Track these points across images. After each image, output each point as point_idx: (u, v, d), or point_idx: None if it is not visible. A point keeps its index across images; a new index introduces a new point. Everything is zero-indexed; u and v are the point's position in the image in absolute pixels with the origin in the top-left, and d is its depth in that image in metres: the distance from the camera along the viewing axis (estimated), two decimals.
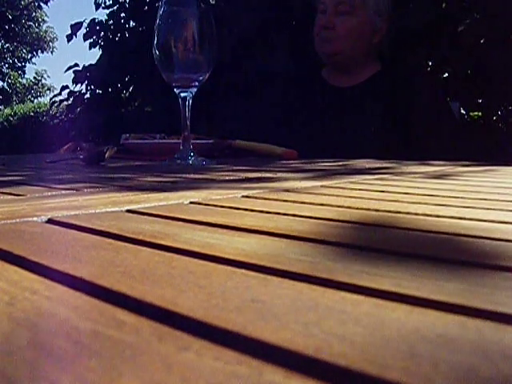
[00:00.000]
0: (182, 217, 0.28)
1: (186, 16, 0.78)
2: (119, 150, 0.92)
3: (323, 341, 0.11)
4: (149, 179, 0.52)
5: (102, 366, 0.10)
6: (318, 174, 0.59)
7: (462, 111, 1.70)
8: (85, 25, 2.46)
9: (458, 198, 0.38)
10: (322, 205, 0.33)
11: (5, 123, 7.94)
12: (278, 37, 1.76)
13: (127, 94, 2.62)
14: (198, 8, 0.77)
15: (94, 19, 2.46)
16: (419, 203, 0.34)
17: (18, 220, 0.27)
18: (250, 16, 1.80)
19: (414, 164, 0.78)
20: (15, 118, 8.00)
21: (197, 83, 0.78)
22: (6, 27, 13.06)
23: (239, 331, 0.12)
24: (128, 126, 2.12)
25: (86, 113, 2.52)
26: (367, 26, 1.22)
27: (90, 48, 2.50)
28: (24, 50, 13.93)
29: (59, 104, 2.82)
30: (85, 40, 2.47)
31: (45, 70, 15.63)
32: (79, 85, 2.52)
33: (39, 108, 7.97)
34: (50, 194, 0.38)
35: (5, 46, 13.62)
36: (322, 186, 0.44)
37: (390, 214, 0.29)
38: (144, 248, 0.21)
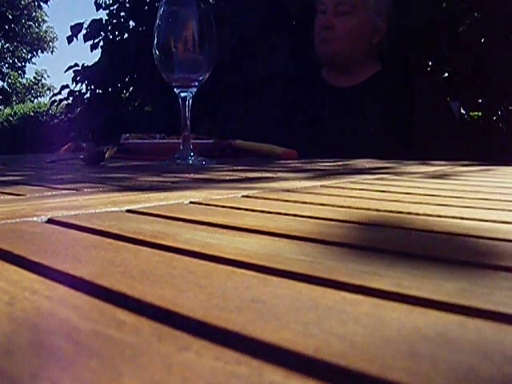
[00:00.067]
0: (182, 217, 0.28)
1: (186, 16, 0.78)
2: (119, 149, 0.92)
3: (323, 341, 0.11)
4: (149, 179, 0.52)
5: (102, 365, 0.10)
6: (317, 174, 0.59)
7: (462, 111, 1.70)
8: (85, 26, 2.46)
9: (458, 197, 0.38)
10: (322, 205, 0.33)
11: (5, 123, 7.94)
12: (278, 37, 1.76)
13: (127, 94, 2.62)
14: (198, 8, 0.77)
15: (95, 20, 2.46)
16: (420, 203, 0.34)
17: (17, 220, 0.27)
18: (250, 16, 1.80)
19: (414, 164, 0.78)
20: (15, 118, 8.01)
21: (197, 83, 0.78)
22: (6, 27, 13.06)
23: (239, 331, 0.12)
24: (128, 125, 2.12)
25: (85, 113, 2.52)
26: (367, 25, 1.22)
27: (91, 50, 2.50)
28: (24, 50, 13.93)
29: (59, 103, 2.82)
30: (85, 41, 2.47)
31: (45, 70, 15.65)
32: (79, 84, 2.52)
33: (39, 108, 7.97)
34: (49, 193, 0.38)
35: (5, 46, 13.62)
36: (321, 186, 0.44)
37: (390, 214, 0.29)
38: (144, 248, 0.21)
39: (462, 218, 0.28)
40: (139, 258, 0.19)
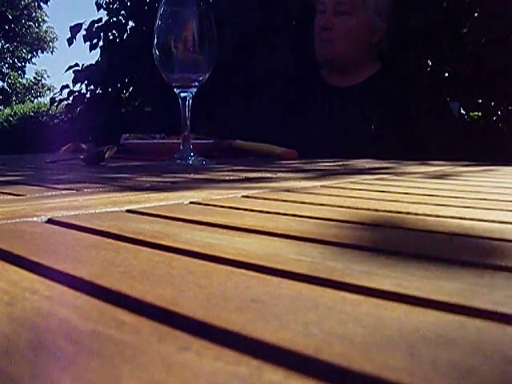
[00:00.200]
0: (182, 217, 0.28)
1: (186, 16, 0.78)
2: (119, 149, 0.92)
3: (323, 341, 0.11)
4: (149, 179, 0.52)
5: (102, 365, 0.10)
6: (317, 174, 0.59)
7: (462, 111, 1.70)
8: (84, 26, 2.46)
9: (458, 198, 0.38)
10: (322, 205, 0.33)
11: (5, 123, 7.93)
12: (278, 37, 1.76)
13: (127, 94, 2.62)
14: (198, 8, 0.77)
15: (94, 21, 2.46)
16: (419, 203, 0.34)
17: (17, 220, 0.27)
18: (250, 16, 1.80)
19: (414, 164, 0.78)
20: (15, 118, 8.00)
21: (197, 83, 0.78)
22: (6, 27, 13.06)
23: (239, 331, 0.12)
24: (128, 126, 2.12)
25: (85, 113, 2.52)
26: (367, 25, 1.22)
27: (90, 50, 2.50)
28: (24, 50, 13.93)
29: (59, 103, 2.82)
30: (85, 41, 2.47)
31: (45, 70, 15.64)
32: (79, 84, 2.52)
33: (39, 108, 7.96)
34: (49, 194, 0.38)
35: (5, 46, 13.62)
36: (322, 186, 0.44)
37: (390, 214, 0.29)
38: (144, 248, 0.21)
39: (461, 218, 0.28)
40: (139, 258, 0.19)
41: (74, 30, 2.45)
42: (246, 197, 0.37)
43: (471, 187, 0.46)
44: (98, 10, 2.57)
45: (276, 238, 0.22)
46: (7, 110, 9.19)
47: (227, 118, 1.67)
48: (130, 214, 0.29)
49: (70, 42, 2.47)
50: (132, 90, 2.57)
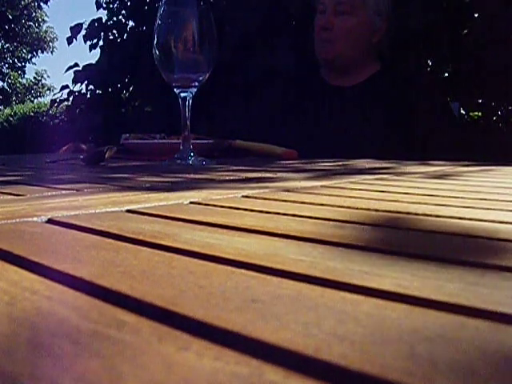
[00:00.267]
0: (182, 217, 0.28)
1: (186, 16, 0.78)
2: (119, 150, 0.92)
3: (323, 341, 0.11)
4: (149, 179, 0.52)
5: (102, 365, 0.10)
6: (317, 174, 0.59)
7: (462, 111, 1.70)
8: (85, 26, 2.46)
9: (457, 198, 0.38)
10: (322, 205, 0.33)
11: (5, 123, 7.93)
12: (278, 37, 1.76)
13: (127, 94, 2.62)
14: (198, 8, 0.77)
15: (94, 20, 2.46)
16: (419, 203, 0.34)
17: (17, 220, 0.27)
18: (250, 16, 1.80)
19: (414, 164, 0.78)
20: (15, 118, 8.00)
21: (197, 83, 0.78)
22: (6, 27, 13.06)
23: (239, 331, 0.12)
24: (128, 126, 2.12)
25: (85, 113, 2.52)
26: (367, 25, 1.22)
27: (90, 50, 2.50)
28: (24, 50, 13.92)
29: (59, 104, 2.82)
30: (85, 41, 2.47)
31: (45, 70, 15.63)
32: (79, 84, 2.52)
33: (39, 108, 7.96)
34: (49, 194, 0.38)
35: (5, 46, 13.62)
36: (322, 186, 0.44)
37: (389, 214, 0.29)
38: (144, 248, 0.21)
39: (461, 218, 0.28)
40: (139, 258, 0.19)
41: (75, 30, 2.45)
42: (246, 197, 0.37)
43: (471, 187, 0.46)
44: (98, 9, 2.56)
45: (276, 238, 0.22)
46: (7, 110, 9.19)
47: (227, 118, 1.67)
48: (130, 214, 0.29)
49: (70, 41, 2.47)
50: (132, 89, 2.57)
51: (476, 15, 1.66)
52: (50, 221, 0.27)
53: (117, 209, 0.31)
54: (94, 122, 2.36)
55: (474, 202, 0.35)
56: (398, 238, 0.24)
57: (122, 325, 0.12)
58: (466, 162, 0.81)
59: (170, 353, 0.11)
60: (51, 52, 14.37)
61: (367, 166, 0.75)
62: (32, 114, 7.79)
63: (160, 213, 0.29)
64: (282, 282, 0.16)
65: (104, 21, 2.50)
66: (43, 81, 15.18)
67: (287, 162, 0.84)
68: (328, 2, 1.21)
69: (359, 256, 0.19)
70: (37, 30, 13.97)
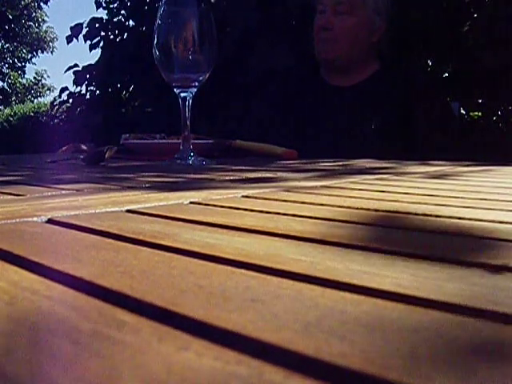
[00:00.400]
0: (182, 217, 0.28)
1: (186, 16, 0.78)
2: (119, 149, 0.92)
3: (323, 341, 0.11)
4: (149, 179, 0.52)
5: (102, 365, 0.10)
6: (317, 174, 0.59)
7: (462, 111, 1.70)
8: (85, 25, 2.46)
9: (457, 198, 0.38)
10: (322, 205, 0.33)
11: (5, 123, 7.93)
12: (278, 36, 1.76)
13: (127, 94, 2.62)
14: (198, 8, 0.77)
15: (94, 18, 2.46)
16: (419, 203, 0.34)
17: (17, 220, 0.27)
18: (250, 15, 1.80)
19: (414, 164, 0.78)
20: (15, 118, 8.00)
21: (197, 83, 0.78)
22: (6, 27, 13.05)
23: (239, 331, 0.12)
24: (128, 126, 2.12)
25: (86, 113, 2.52)
26: (366, 25, 1.22)
27: (90, 50, 2.50)
28: (24, 50, 13.92)
29: (60, 106, 2.82)
30: (85, 41, 2.47)
31: (45, 70, 15.61)
32: (79, 84, 2.52)
33: (39, 108, 7.96)
34: (49, 194, 0.38)
35: (5, 46, 13.61)
36: (322, 186, 0.44)
37: (389, 214, 0.29)
38: (144, 248, 0.21)
39: (461, 218, 0.28)
40: (139, 258, 0.19)
41: (75, 30, 2.45)
42: (246, 197, 0.37)
43: (471, 187, 0.46)
44: (98, 8, 2.56)
45: (276, 238, 0.22)
46: (7, 110, 9.18)
47: (227, 117, 1.67)
48: (130, 214, 0.29)
49: (70, 40, 2.47)
50: (132, 89, 2.57)
51: (476, 15, 1.66)
52: (49, 221, 0.27)
53: (117, 209, 0.31)
54: (94, 122, 2.36)
55: (474, 202, 0.35)
56: (398, 237, 0.24)
57: (122, 325, 0.12)
58: (466, 162, 0.81)
59: (169, 353, 0.11)
60: (51, 52, 14.37)
61: (367, 165, 0.75)
62: (32, 114, 7.79)
63: (160, 213, 0.29)
64: (282, 281, 0.16)
65: (104, 20, 2.50)
66: (43, 81, 15.18)
67: (287, 162, 0.84)
68: (327, 2, 1.21)
69: (359, 256, 0.19)
70: (37, 30, 13.97)
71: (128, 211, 0.30)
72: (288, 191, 0.40)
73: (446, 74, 1.80)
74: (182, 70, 0.77)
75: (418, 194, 0.39)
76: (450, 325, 0.12)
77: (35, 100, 13.84)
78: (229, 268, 0.18)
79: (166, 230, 0.25)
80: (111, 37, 2.51)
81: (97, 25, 2.46)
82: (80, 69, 2.49)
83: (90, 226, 0.25)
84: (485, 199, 0.36)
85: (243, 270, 0.17)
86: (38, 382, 0.10)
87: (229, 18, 1.84)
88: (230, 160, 0.88)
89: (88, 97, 2.57)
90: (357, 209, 0.31)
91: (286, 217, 0.28)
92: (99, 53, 2.52)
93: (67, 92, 2.59)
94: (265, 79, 1.60)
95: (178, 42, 0.77)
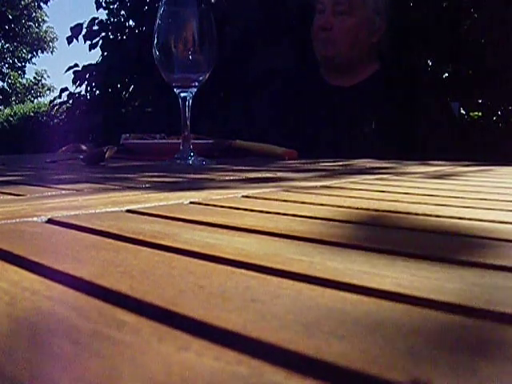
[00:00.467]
0: (182, 217, 0.28)
1: (186, 16, 0.78)
2: (119, 149, 0.92)
3: (323, 341, 0.11)
4: (149, 179, 0.52)
5: (102, 365, 0.10)
6: (318, 174, 0.59)
7: (462, 111, 1.70)
8: (84, 25, 2.46)
9: (457, 198, 0.38)
10: (322, 205, 0.33)
11: (5, 123, 7.93)
12: (278, 36, 1.76)
13: (127, 94, 2.62)
14: (198, 8, 0.77)
15: (94, 18, 2.46)
16: (419, 203, 0.34)
17: (17, 220, 0.27)
18: (251, 15, 1.80)
19: (414, 164, 0.78)
20: (15, 118, 8.00)
21: (197, 83, 0.78)
22: (6, 27, 13.05)
23: (239, 331, 0.12)
24: (128, 125, 2.12)
25: (85, 113, 2.52)
26: (366, 25, 1.22)
27: (90, 49, 2.50)
28: (24, 50, 13.92)
29: (60, 106, 2.82)
30: (85, 41, 2.47)
31: (45, 70, 15.61)
32: (79, 85, 2.52)
33: (39, 108, 7.96)
34: (49, 194, 0.38)
35: (5, 46, 13.61)
36: (322, 186, 0.44)
37: (389, 214, 0.29)
38: (144, 248, 0.21)
39: (461, 218, 0.28)
40: (139, 257, 0.19)
41: (75, 30, 2.45)
42: (246, 197, 0.37)
43: (471, 187, 0.46)
44: (98, 8, 2.57)
45: (276, 238, 0.22)
46: (7, 110, 9.18)
47: (227, 117, 1.67)
48: (130, 214, 0.29)
49: (70, 40, 2.47)
50: (132, 90, 2.57)
51: (476, 15, 1.66)
52: (49, 221, 0.27)
53: (117, 209, 0.31)
54: (94, 122, 2.36)
55: (474, 202, 0.35)
56: (398, 237, 0.24)
57: (122, 325, 0.12)
58: (466, 162, 0.81)
59: (169, 353, 0.11)
60: (51, 52, 14.37)
61: (367, 165, 0.75)
62: (32, 114, 7.79)
63: (160, 213, 0.29)
64: (282, 282, 0.16)
65: (104, 20, 2.50)
66: (43, 81, 15.17)
67: (287, 161, 0.84)
68: (327, 2, 1.21)
69: (359, 256, 0.19)
70: (37, 30, 13.97)
71: (128, 211, 0.30)
72: (288, 191, 0.40)
73: (446, 74, 1.80)
74: (182, 70, 0.77)
75: (418, 194, 0.39)
76: (449, 325, 0.12)
77: (35, 100, 13.84)
78: (229, 268, 0.18)
79: (166, 229, 0.25)
80: (111, 37, 2.51)
81: (97, 25, 2.46)
82: (80, 69, 2.49)
83: (90, 226, 0.25)
84: (485, 199, 0.36)
85: (243, 270, 0.17)
86: (38, 382, 0.10)
87: (229, 18, 1.84)
88: (230, 160, 0.88)
89: (88, 97, 2.57)
90: (357, 209, 0.31)
91: (286, 217, 0.28)
92: (99, 53, 2.52)
93: (67, 92, 2.59)
94: (265, 79, 1.60)
95: (177, 41, 0.77)
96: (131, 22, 2.52)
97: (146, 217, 0.28)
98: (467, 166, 0.75)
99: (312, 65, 1.32)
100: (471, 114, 1.83)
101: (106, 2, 2.58)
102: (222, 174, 0.58)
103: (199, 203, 0.34)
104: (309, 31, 1.28)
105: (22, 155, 1.35)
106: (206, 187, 0.43)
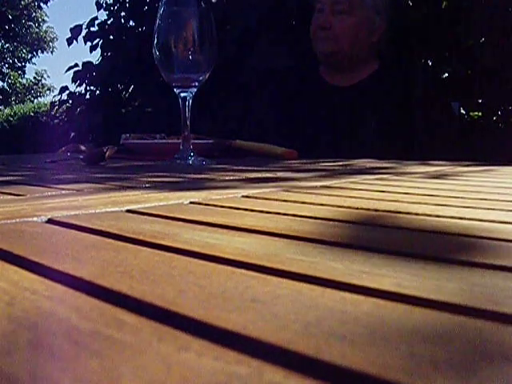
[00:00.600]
0: (182, 217, 0.28)
1: (186, 16, 0.78)
2: (119, 149, 0.92)
3: (323, 341, 0.11)
4: (149, 179, 0.52)
5: (102, 365, 0.10)
6: (318, 174, 0.59)
7: (462, 111, 1.70)
8: (84, 26, 2.46)
9: (458, 198, 0.38)
10: (322, 205, 0.33)
11: (5, 123, 7.93)
12: (278, 36, 1.76)
13: (127, 94, 2.61)
14: (198, 8, 0.77)
15: (94, 19, 2.46)
16: (419, 203, 0.34)
17: (17, 220, 0.27)
18: (251, 14, 1.80)
19: (414, 164, 0.78)
20: (15, 118, 8.00)
21: (197, 83, 0.78)
22: (6, 27, 13.05)
23: (239, 331, 0.12)
24: (128, 125, 2.12)
25: (85, 113, 2.52)
26: (365, 25, 1.22)
27: (90, 51, 2.50)
28: (24, 50, 13.91)
29: (60, 106, 2.82)
30: (85, 42, 2.47)
31: (45, 70, 15.60)
32: (79, 84, 2.52)
33: (39, 108, 7.96)
34: (49, 194, 0.38)
35: (5, 46, 13.61)
36: (322, 186, 0.44)
37: (390, 214, 0.29)
38: (144, 248, 0.21)
39: (461, 218, 0.28)
40: (139, 257, 0.19)
41: (75, 31, 2.45)
42: (246, 197, 0.37)
43: (471, 187, 0.46)
44: (98, 9, 2.56)
45: (276, 238, 0.22)
46: (7, 110, 9.18)
47: (227, 117, 1.67)
48: (130, 214, 0.29)
49: (70, 42, 2.47)
50: (132, 89, 2.57)
51: (476, 15, 1.66)
52: (49, 221, 0.27)
53: (117, 209, 0.31)
54: (94, 122, 2.36)
55: (475, 202, 0.35)
56: (398, 237, 0.24)
57: (122, 325, 0.12)
58: (466, 162, 0.81)
59: (169, 353, 0.11)
60: (51, 52, 14.36)
61: (367, 165, 0.75)
62: (32, 114, 7.79)
63: (160, 213, 0.29)
64: (282, 282, 0.16)
65: (104, 21, 2.50)
66: (43, 81, 15.17)
67: (287, 161, 0.84)
68: (326, 1, 1.21)
69: (359, 256, 0.19)
70: (37, 30, 13.96)
71: (128, 211, 0.30)
72: (288, 191, 0.40)
73: (446, 74, 1.80)
74: (181, 70, 0.77)
75: (418, 194, 0.39)
76: (450, 325, 0.12)
77: (35, 100, 13.84)
78: (229, 268, 0.18)
79: (166, 230, 0.25)
80: (111, 37, 2.51)
81: (96, 26, 2.46)
82: (80, 69, 2.49)
83: (90, 226, 0.25)
84: (485, 199, 0.36)
85: (243, 270, 0.17)
86: (38, 382, 0.10)
87: (229, 18, 1.84)
88: (230, 160, 0.88)
89: (88, 97, 2.57)
90: (357, 209, 0.31)
91: (286, 217, 0.28)
92: (99, 52, 2.52)
93: (67, 92, 2.59)
94: (265, 79, 1.60)
95: (177, 42, 0.77)
96: (131, 23, 2.52)
97: (146, 217, 0.28)
98: (467, 166, 0.75)
99: (312, 65, 1.32)
100: (471, 113, 1.83)
101: (106, 3, 2.57)
102: (222, 173, 0.58)
103: (199, 203, 0.34)
104: (309, 31, 1.28)
105: (21, 155, 1.35)
106: (205, 187, 0.43)
